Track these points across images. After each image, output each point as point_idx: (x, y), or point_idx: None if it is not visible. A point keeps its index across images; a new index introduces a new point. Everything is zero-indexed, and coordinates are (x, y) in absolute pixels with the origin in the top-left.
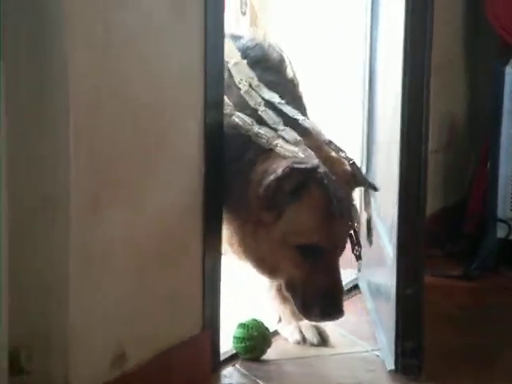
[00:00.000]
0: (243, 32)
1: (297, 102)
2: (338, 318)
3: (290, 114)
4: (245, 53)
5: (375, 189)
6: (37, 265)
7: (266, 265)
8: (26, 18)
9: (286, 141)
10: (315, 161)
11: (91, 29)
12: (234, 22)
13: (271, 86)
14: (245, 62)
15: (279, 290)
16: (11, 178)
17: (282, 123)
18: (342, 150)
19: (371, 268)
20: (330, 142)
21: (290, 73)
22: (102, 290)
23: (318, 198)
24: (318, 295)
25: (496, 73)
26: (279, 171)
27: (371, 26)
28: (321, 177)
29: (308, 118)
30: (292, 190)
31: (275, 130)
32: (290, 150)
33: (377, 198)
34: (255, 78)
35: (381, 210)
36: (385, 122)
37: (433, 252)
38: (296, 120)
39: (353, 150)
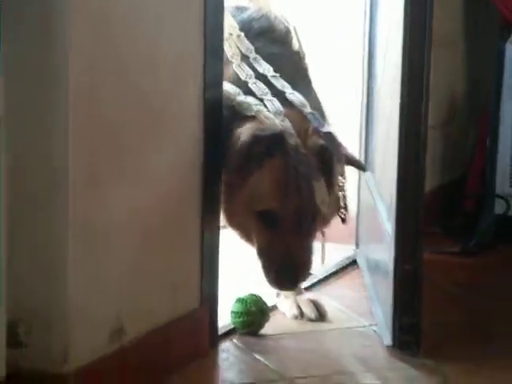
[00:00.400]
0: (248, 3)
1: (301, 73)
2: (292, 288)
3: (280, 87)
4: (250, 24)
5: (355, 164)
6: (36, 239)
7: (240, 230)
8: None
9: (268, 110)
10: (277, 130)
11: (91, 9)
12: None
13: (274, 58)
14: (242, 34)
15: None
16: (10, 156)
17: (269, 94)
18: (320, 123)
19: (369, 244)
20: (313, 115)
21: (295, 44)
22: (101, 265)
23: (278, 166)
24: (274, 263)
25: (496, 49)
26: (242, 137)
27: (371, 4)
28: (284, 146)
29: (312, 90)
30: (255, 156)
31: (261, 100)
32: (269, 118)
33: (376, 175)
34: (253, 51)
35: (380, 187)
36: (384, 99)
37: (431, 228)
38: (283, 93)
39: (351, 126)
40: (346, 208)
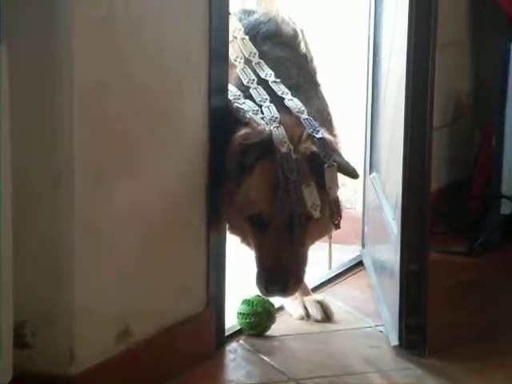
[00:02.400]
0: (256, 7)
1: (308, 76)
2: (281, 296)
3: (279, 93)
4: (257, 27)
5: (347, 172)
6: (42, 239)
7: (239, 235)
8: None
9: (264, 117)
10: (265, 135)
11: (95, 4)
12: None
13: (280, 61)
14: (247, 37)
15: None
16: (15, 153)
17: (268, 101)
18: (316, 130)
19: (375, 244)
20: (308, 121)
21: (303, 48)
22: (107, 266)
23: (266, 171)
24: (262, 270)
25: (502, 50)
26: (233, 144)
27: (375, 5)
28: (272, 151)
29: (319, 93)
30: (246, 162)
31: (260, 106)
32: (261, 124)
33: (381, 175)
34: (257, 55)
35: (385, 187)
36: (389, 99)
37: (437, 228)
38: (282, 99)
39: (357, 126)
40: (339, 213)
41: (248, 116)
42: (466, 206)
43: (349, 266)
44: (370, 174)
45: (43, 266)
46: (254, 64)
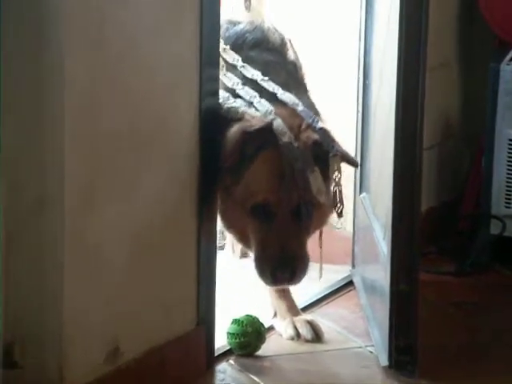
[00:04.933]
0: (241, 17)
1: (296, 81)
2: (289, 284)
3: (270, 89)
4: (243, 36)
5: (349, 161)
6: (31, 259)
7: (237, 232)
8: (24, 14)
9: (258, 111)
10: (265, 123)
11: (87, 23)
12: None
13: (269, 65)
14: (228, 47)
15: None
16: (4, 173)
17: (258, 97)
18: (314, 120)
19: (365, 264)
20: (306, 112)
21: (291, 55)
22: (97, 285)
23: (270, 159)
24: (269, 259)
25: (491, 71)
26: (231, 136)
27: (365, 28)
28: (274, 138)
29: (308, 97)
30: (247, 152)
31: (251, 103)
32: (256, 116)
33: (371, 195)
34: (240, 60)
35: (375, 207)
36: (379, 121)
37: (427, 249)
38: (275, 94)
39: (347, 147)
40: (341, 202)
41: (241, 111)
42: (456, 226)
43: (339, 285)
44: (360, 194)
45: (32, 287)
46: (239, 67)
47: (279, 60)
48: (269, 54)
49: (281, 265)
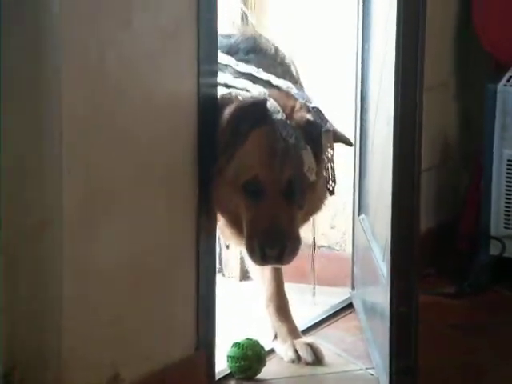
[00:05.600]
0: (233, 31)
1: (292, 78)
2: (278, 263)
3: (264, 78)
4: (237, 46)
5: (342, 139)
6: (31, 283)
7: (230, 215)
8: (22, 35)
9: (251, 94)
10: (259, 99)
11: (85, 46)
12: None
13: (264, 63)
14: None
15: (278, 307)
16: (2, 196)
17: (250, 83)
18: (309, 100)
19: (365, 286)
20: (299, 94)
21: (287, 61)
22: (96, 310)
23: (262, 136)
24: (258, 235)
25: (488, 91)
26: (225, 114)
27: (362, 46)
28: (268, 115)
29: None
30: (240, 129)
31: (245, 89)
32: (248, 96)
33: (370, 217)
34: (233, 59)
35: (374, 228)
36: (378, 142)
37: (426, 270)
38: (269, 81)
39: (345, 168)
40: (334, 180)
41: (234, 95)
42: (455, 246)
43: (339, 308)
44: (359, 215)
45: (31, 312)
46: (233, 66)
47: (274, 63)
48: (263, 58)
49: (269, 241)
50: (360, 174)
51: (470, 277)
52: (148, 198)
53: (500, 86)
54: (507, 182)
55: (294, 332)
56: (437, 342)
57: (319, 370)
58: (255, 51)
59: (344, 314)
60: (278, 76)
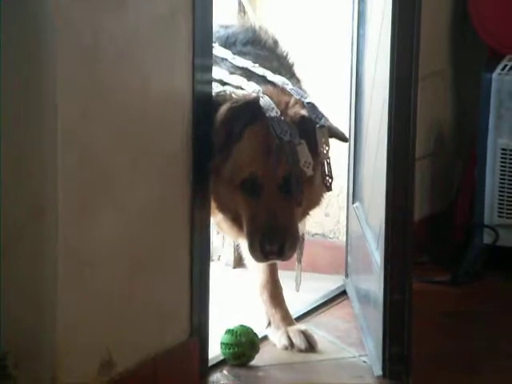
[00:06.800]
0: (232, 22)
1: (289, 71)
2: (279, 258)
3: (260, 73)
4: (235, 36)
5: (337, 135)
6: (25, 271)
7: (229, 213)
8: (17, 26)
9: (246, 91)
10: (251, 97)
11: (80, 35)
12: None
13: (260, 56)
14: (217, 44)
15: (271, 295)
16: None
17: (245, 81)
18: (304, 96)
19: (359, 274)
20: (295, 90)
21: (285, 54)
22: (89, 296)
23: (257, 134)
24: (257, 232)
25: (484, 80)
26: (219, 115)
27: (357, 37)
28: (261, 113)
29: (301, 86)
30: (235, 128)
31: (239, 87)
32: (242, 94)
33: (364, 205)
34: (230, 53)
35: (368, 216)
36: (372, 130)
37: (420, 258)
38: (265, 77)
39: (340, 157)
40: (330, 175)
41: (228, 93)
42: (449, 235)
43: (332, 295)
44: (353, 203)
45: (26, 297)
46: (229, 60)
47: (271, 55)
48: (261, 50)
49: (269, 236)
50: (354, 161)
51: (463, 265)
52: (143, 187)
53: (495, 74)
54: (501, 171)
55: (287, 319)
56: (430, 330)
57: (312, 357)
58: (253, 43)
59: (337, 302)
60: (275, 70)
